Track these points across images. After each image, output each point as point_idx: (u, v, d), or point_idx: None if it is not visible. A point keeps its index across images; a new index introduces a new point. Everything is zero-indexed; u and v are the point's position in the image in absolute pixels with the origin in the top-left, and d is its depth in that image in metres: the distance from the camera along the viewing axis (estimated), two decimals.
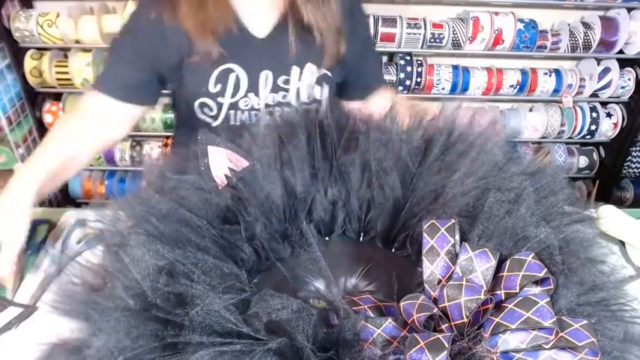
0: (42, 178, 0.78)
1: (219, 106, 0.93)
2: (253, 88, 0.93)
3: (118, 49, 0.91)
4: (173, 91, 1.00)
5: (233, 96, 0.92)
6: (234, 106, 0.93)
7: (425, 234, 0.59)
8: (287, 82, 0.94)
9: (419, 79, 1.95)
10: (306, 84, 0.95)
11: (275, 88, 0.94)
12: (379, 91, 1.08)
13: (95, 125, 0.90)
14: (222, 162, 0.70)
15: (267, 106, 0.95)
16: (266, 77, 0.92)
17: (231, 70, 0.90)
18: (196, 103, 0.93)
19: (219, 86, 0.91)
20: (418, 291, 0.58)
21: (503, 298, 0.54)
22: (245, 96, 0.93)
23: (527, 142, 2.17)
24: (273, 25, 0.91)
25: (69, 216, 0.92)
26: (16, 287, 0.71)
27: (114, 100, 0.89)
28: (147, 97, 0.93)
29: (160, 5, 0.85)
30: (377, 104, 1.04)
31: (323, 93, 0.98)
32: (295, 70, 0.93)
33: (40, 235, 0.85)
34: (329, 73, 0.96)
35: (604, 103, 2.13)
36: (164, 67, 0.90)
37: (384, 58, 1.99)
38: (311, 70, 0.94)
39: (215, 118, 0.95)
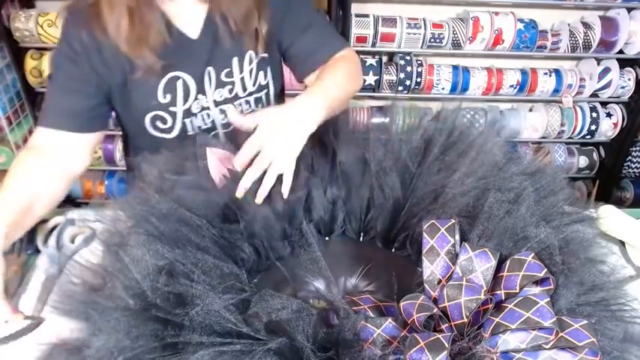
0: (9, 223, 0.72)
1: (173, 115, 0.91)
2: (200, 89, 0.92)
3: (59, 79, 0.86)
4: (117, 113, 0.96)
5: (185, 102, 0.91)
6: (187, 112, 0.92)
7: (425, 234, 0.59)
8: (230, 74, 0.93)
9: (419, 79, 1.95)
10: (249, 72, 0.94)
11: (220, 84, 0.93)
12: (335, 57, 0.99)
13: (54, 162, 0.84)
14: (220, 163, 0.70)
15: (216, 103, 0.94)
16: (209, 74, 0.91)
17: (177, 78, 0.89)
18: (147, 119, 0.90)
19: (168, 96, 0.89)
20: (418, 291, 0.58)
21: (503, 298, 0.54)
22: (196, 99, 0.92)
23: (527, 142, 2.17)
24: (202, 22, 0.89)
25: (67, 215, 0.91)
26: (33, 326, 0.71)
27: (65, 132, 0.85)
28: (98, 124, 0.90)
29: (87, 25, 0.81)
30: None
31: (267, 77, 0.97)
32: (235, 60, 0.92)
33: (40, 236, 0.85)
34: (266, 55, 0.95)
35: (604, 103, 2.13)
36: (111, 88, 0.88)
37: (384, 58, 1.99)
38: (250, 58, 0.93)
39: (170, 130, 0.92)
